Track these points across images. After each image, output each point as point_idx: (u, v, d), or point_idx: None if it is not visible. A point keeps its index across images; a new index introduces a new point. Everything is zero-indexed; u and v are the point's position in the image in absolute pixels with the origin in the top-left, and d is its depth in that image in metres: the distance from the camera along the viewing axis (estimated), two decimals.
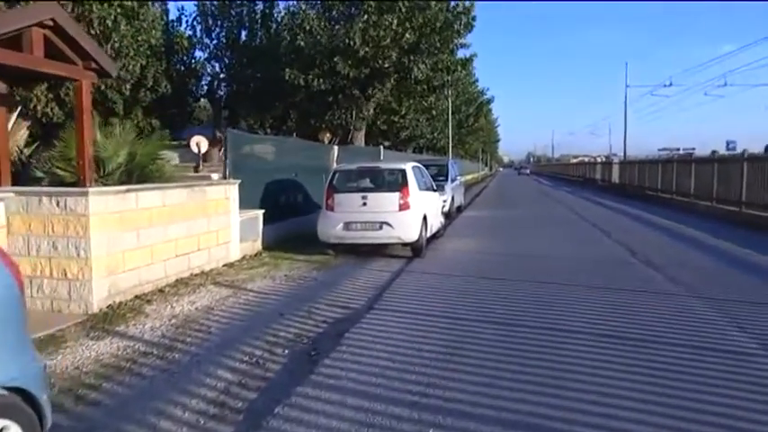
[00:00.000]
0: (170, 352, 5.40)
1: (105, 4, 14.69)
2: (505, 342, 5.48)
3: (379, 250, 10.81)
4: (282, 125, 23.43)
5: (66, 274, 6.63)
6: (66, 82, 6.39)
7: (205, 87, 22.22)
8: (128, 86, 17.90)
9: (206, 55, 21.60)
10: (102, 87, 16.51)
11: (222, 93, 22.49)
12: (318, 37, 18.79)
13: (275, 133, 20.89)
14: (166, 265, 7.98)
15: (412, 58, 19.50)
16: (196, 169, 10.16)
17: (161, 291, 7.61)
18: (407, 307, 6.88)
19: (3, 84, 6.74)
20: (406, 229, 10.08)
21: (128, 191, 7.15)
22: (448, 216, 16.20)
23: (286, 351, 5.46)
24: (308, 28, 18.80)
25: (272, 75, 19.80)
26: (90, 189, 6.51)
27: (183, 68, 20.32)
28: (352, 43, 18.44)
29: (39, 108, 15.06)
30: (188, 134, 19.25)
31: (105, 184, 7.89)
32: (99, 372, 4.92)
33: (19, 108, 12.59)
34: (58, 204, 6.57)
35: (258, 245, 10.92)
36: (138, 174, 8.31)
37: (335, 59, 18.80)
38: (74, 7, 14.24)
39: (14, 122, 8.94)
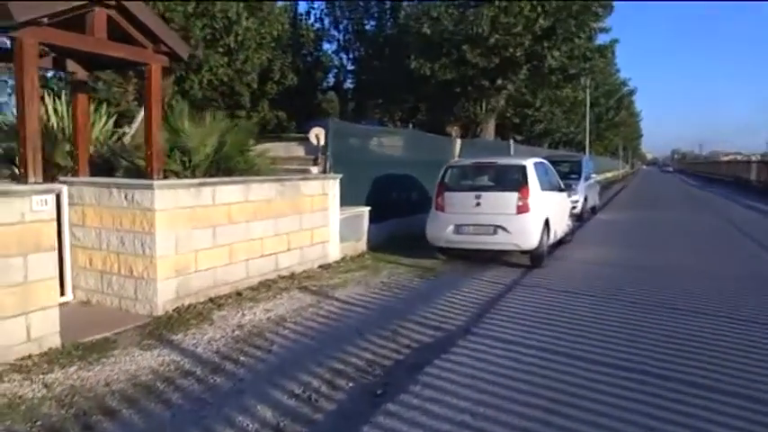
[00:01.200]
0: (214, 374, 4.54)
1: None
2: (636, 400, 3.99)
3: (495, 256, 9.43)
4: (412, 118, 22.52)
5: (132, 272, 6.09)
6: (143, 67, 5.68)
7: (332, 79, 21.95)
8: (255, 79, 17.92)
9: (333, 47, 21.30)
10: (226, 79, 16.54)
11: (349, 85, 22.09)
12: (446, 24, 17.59)
13: (404, 126, 20.00)
14: (248, 265, 7.26)
15: (545, 44, 17.70)
16: (315, 161, 9.50)
17: (239, 294, 6.89)
18: (511, 334, 5.52)
19: (83, 70, 6.34)
20: (524, 234, 8.63)
21: (201, 185, 6.48)
22: (579, 218, 14.30)
23: (349, 384, 4.41)
24: (434, 15, 17.67)
25: (399, 66, 18.94)
26: (155, 182, 5.89)
27: (309, 61, 20.09)
28: (480, 30, 17.04)
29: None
30: (309, 126, 18.96)
31: (191, 177, 7.33)
32: (127, 393, 4.17)
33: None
34: (125, 197, 6.03)
35: (362, 245, 10.00)
36: (224, 166, 7.69)
37: (463, 48, 17.51)
38: (199, 2, 14.31)
39: (103, 111, 8.67)
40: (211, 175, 7.51)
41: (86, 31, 5.24)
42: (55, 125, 8.28)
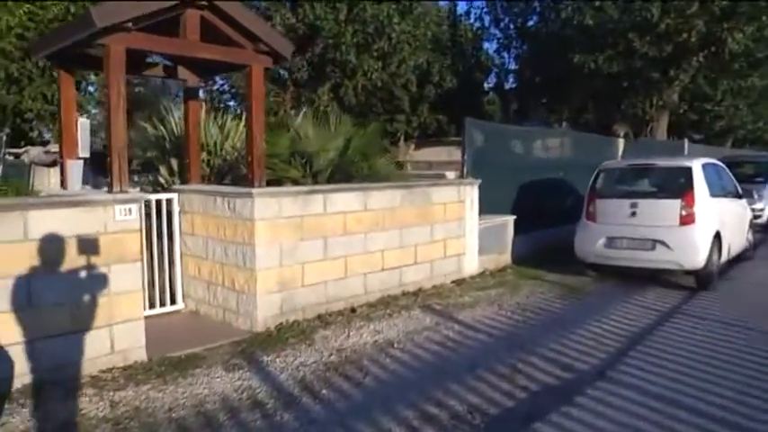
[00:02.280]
0: (286, 409, 3.96)
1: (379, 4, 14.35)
2: None
3: (655, 275, 7.80)
4: (578, 117, 20.61)
5: (234, 285, 5.78)
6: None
7: (493, 80, 20.84)
8: (413, 82, 17.53)
9: (493, 46, 20.21)
10: (380, 84, 16.31)
11: (511, 85, 20.80)
12: (610, 13, 15.70)
13: (572, 127, 18.30)
14: (367, 280, 6.65)
15: (725, 26, 14.98)
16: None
17: (353, 311, 6.30)
18: (659, 383, 4.21)
19: (194, 77, 6.23)
20: (689, 250, 6.99)
21: (310, 192, 5.99)
22: (766, 229, 11.69)
23: None
24: (597, 4, 15.86)
25: (563, 62, 17.36)
26: (254, 190, 5.50)
27: (469, 62, 19.22)
28: (649, 16, 14.91)
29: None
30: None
31: (313, 184, 6.94)
32: (185, 422, 3.76)
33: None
34: (228, 206, 5.74)
35: (505, 258, 8.93)
36: (346, 172, 7.19)
37: (630, 37, 15.47)
38: (350, 8, 14.23)
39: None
40: (336, 182, 7.05)
41: (180, 34, 4.99)
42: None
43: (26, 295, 4.12)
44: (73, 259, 4.31)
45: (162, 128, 8.20)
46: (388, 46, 15.17)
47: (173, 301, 6.31)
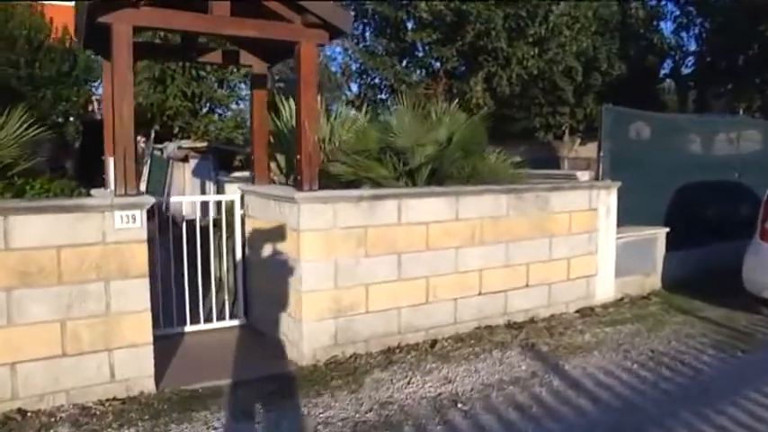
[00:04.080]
0: None
1: None
2: None
3: None
4: None
5: (285, 306, 4.90)
6: None
7: (669, 65, 17.74)
8: (578, 71, 15.50)
9: (670, 26, 17.12)
10: (536, 72, 14.53)
11: (689, 70, 17.52)
12: None
13: (765, 118, 14.80)
14: (457, 306, 5.40)
15: None
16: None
17: (432, 345, 5.10)
18: None
19: (259, 62, 5.43)
20: None
21: (376, 197, 4.90)
22: None
23: None
24: None
25: (756, 37, 14.07)
26: (299, 194, 4.55)
27: (643, 44, 16.53)
28: None
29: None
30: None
31: (412, 185, 5.84)
32: None
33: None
34: (279, 211, 4.88)
35: (652, 281, 7.03)
36: (446, 171, 5.94)
37: None
38: None
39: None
40: (438, 184, 5.87)
41: (208, 9, 4.16)
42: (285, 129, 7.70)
43: (5, 312, 3.59)
44: (63, 273, 3.70)
45: (278, 121, 7.57)
46: (545, 30, 13.40)
47: (233, 316, 5.63)
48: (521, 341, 5.23)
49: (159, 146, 15.34)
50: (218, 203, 5.54)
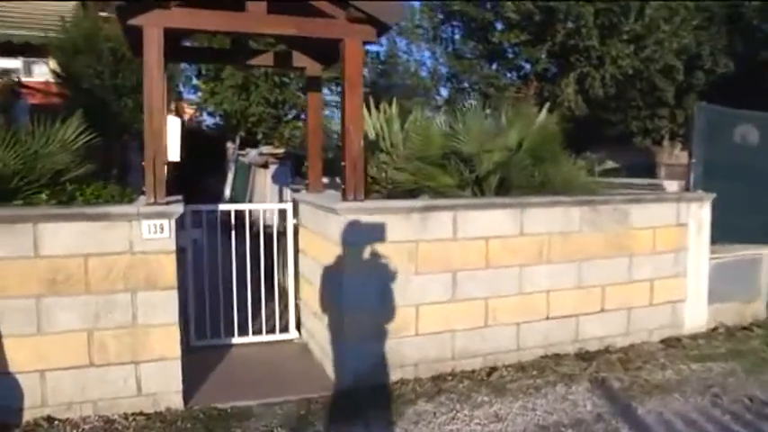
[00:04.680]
0: None
1: None
2: None
3: None
4: None
5: (329, 323, 4.60)
6: None
7: None
8: (679, 69, 14.24)
9: None
10: (631, 72, 13.45)
11: None
12: None
13: None
14: (520, 331, 4.88)
15: None
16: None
17: (490, 373, 4.63)
18: None
19: (314, 64, 5.17)
20: None
21: (428, 209, 4.49)
22: None
23: None
24: None
25: None
26: (340, 205, 4.22)
27: (755, 38, 14.85)
28: None
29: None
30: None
31: (479, 195, 5.40)
32: None
33: None
34: (325, 222, 4.58)
35: (755, 309, 6.12)
36: (516, 179, 5.41)
37: None
38: None
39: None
40: (506, 194, 5.40)
41: (245, 8, 3.93)
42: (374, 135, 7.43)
43: (36, 319, 3.52)
44: (90, 282, 3.59)
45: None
46: (641, 26, 12.39)
47: (284, 329, 5.41)
48: (590, 374, 4.64)
49: (243, 152, 15.71)
50: (279, 212, 5.34)
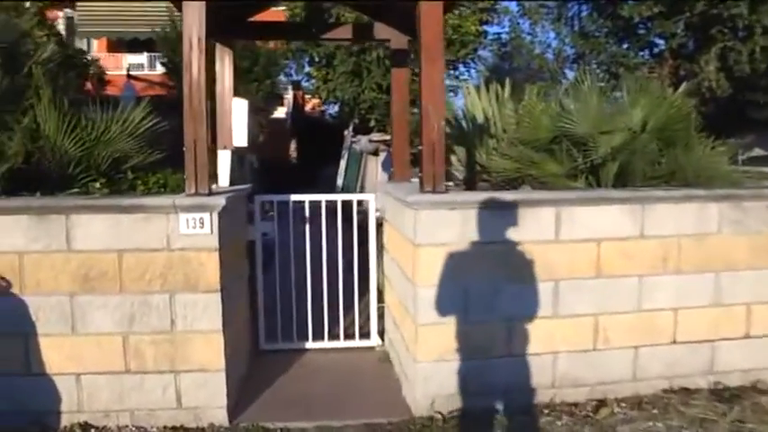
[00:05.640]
0: None
1: None
2: None
3: None
4: None
5: (404, 337, 3.99)
6: None
7: None
8: None
9: None
10: None
11: None
12: None
13: None
14: (638, 357, 3.94)
15: None
16: None
17: (596, 408, 3.76)
18: None
19: (399, 36, 4.50)
20: None
21: (523, 203, 3.69)
22: None
23: None
24: None
25: None
26: (413, 197, 3.54)
27: None
28: None
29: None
30: None
31: (595, 187, 4.51)
32: None
33: None
34: (403, 217, 3.95)
35: None
36: (639, 166, 4.41)
37: None
38: None
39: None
40: (624, 185, 4.46)
41: None
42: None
43: (70, 319, 3.22)
44: (124, 281, 3.23)
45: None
46: None
47: (365, 335, 4.86)
48: (731, 422, 3.61)
49: (355, 139, 15.43)
50: (346, 203, 4.79)
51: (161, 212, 3.18)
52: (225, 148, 4.40)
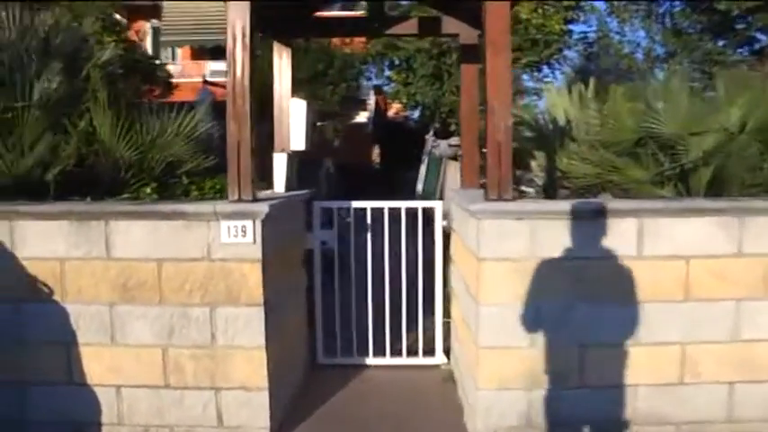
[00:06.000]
0: None
1: None
2: None
3: None
4: None
5: (467, 357, 3.64)
6: None
7: None
8: None
9: None
10: None
11: None
12: None
13: None
14: (734, 394, 3.38)
15: None
16: None
17: None
18: None
19: (470, 28, 4.14)
20: None
21: (599, 214, 3.25)
22: None
23: None
24: None
25: None
26: (476, 206, 3.19)
27: None
28: None
29: None
30: None
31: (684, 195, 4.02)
32: None
33: None
34: (467, 228, 3.61)
35: None
36: (736, 172, 3.85)
37: None
38: None
39: None
40: (718, 193, 3.92)
41: None
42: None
43: (109, 329, 3.11)
44: (164, 291, 3.08)
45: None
46: None
47: (429, 352, 4.55)
48: None
49: (435, 143, 15.14)
50: (409, 211, 4.50)
51: (201, 220, 3.01)
52: (283, 151, 4.20)
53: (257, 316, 3.09)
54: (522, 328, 3.20)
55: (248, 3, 3.05)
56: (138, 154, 3.95)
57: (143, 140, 4.00)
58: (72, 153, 3.78)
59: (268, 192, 4.07)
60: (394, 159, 18.36)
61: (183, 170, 4.13)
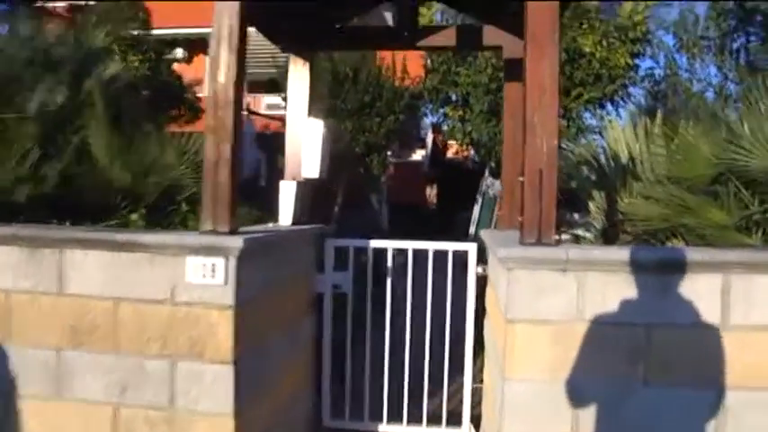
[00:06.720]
0: None
1: None
2: None
3: None
4: None
5: None
6: None
7: None
8: None
9: None
10: None
11: None
12: None
13: None
14: None
15: None
16: None
17: None
18: None
19: (515, 39, 3.51)
20: None
21: (667, 266, 2.49)
22: None
23: None
24: None
25: None
26: (504, 252, 2.49)
27: None
28: None
29: None
30: None
31: None
32: None
33: None
34: (497, 278, 2.93)
35: None
36: None
37: None
38: None
39: None
40: None
41: None
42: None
43: (54, 378, 2.59)
44: (119, 338, 2.54)
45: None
46: None
47: (454, 421, 3.84)
48: None
49: (488, 183, 14.51)
50: (438, 253, 3.85)
51: (165, 254, 2.47)
52: (294, 179, 3.66)
53: (226, 376, 2.49)
54: (560, 416, 2.45)
55: (233, 23, 2.55)
56: (134, 176, 3.52)
57: (141, 162, 3.58)
58: (60, 170, 3.39)
59: (270, 225, 3.53)
60: (451, 200, 17.94)
61: (184, 196, 3.66)
